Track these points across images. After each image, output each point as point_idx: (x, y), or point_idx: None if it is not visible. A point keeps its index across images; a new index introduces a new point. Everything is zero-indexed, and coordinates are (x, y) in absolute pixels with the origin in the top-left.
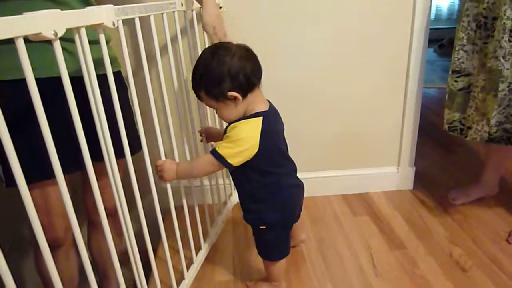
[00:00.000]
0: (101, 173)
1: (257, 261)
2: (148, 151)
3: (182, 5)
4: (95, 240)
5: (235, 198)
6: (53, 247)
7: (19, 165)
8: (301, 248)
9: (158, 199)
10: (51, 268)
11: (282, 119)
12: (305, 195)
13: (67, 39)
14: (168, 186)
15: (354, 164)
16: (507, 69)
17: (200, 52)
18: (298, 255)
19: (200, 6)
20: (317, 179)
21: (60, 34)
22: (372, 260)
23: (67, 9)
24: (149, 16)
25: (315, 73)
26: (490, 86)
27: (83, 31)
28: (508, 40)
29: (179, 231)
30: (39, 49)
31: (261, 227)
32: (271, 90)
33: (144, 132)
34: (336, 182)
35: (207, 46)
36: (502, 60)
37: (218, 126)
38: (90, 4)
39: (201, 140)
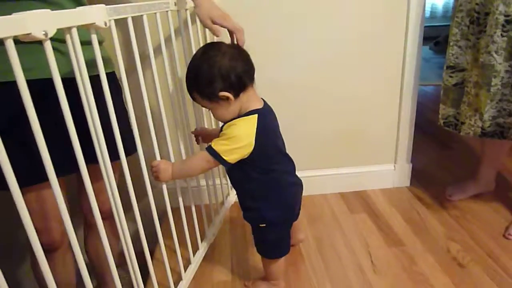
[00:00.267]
0: (97, 175)
1: (256, 260)
2: (143, 152)
3: (175, 4)
4: (92, 242)
5: (232, 198)
6: (50, 251)
7: (11, 168)
8: (299, 247)
9: (155, 200)
10: (46, 272)
11: (278, 118)
12: (303, 193)
13: (59, 40)
14: (164, 186)
15: (351, 162)
16: (500, 63)
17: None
18: (296, 254)
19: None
20: (314, 177)
21: (50, 35)
22: (370, 257)
23: (58, 9)
24: (142, 15)
25: (310, 72)
26: (483, 81)
27: (74, 31)
28: (501, 35)
29: (176, 232)
30: (32, 50)
31: (261, 225)
32: (267, 89)
33: (139, 133)
34: (333, 180)
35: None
36: (494, 55)
37: (214, 126)
38: (82, 4)
39: (197, 142)
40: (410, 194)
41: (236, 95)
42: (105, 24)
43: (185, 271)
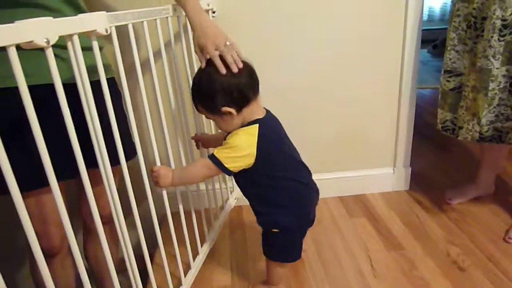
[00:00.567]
0: (97, 180)
1: (255, 264)
2: (143, 157)
3: (175, 10)
4: (91, 248)
5: (232, 202)
6: (49, 256)
7: (12, 173)
8: None
9: (154, 205)
10: (46, 277)
11: (278, 117)
12: None
13: (60, 46)
14: (164, 191)
15: (350, 166)
16: (497, 68)
17: (194, 59)
18: None
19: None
20: None
21: (52, 42)
22: (370, 261)
23: (59, 17)
24: (142, 22)
25: (308, 76)
26: (481, 86)
27: (75, 38)
28: (498, 39)
29: (176, 236)
30: (33, 56)
31: (273, 230)
32: (267, 92)
33: (139, 138)
34: (332, 184)
35: None
36: (492, 59)
37: (213, 132)
38: (82, 11)
39: (197, 147)
40: (410, 198)
41: (239, 110)
42: (106, 31)
43: (185, 276)
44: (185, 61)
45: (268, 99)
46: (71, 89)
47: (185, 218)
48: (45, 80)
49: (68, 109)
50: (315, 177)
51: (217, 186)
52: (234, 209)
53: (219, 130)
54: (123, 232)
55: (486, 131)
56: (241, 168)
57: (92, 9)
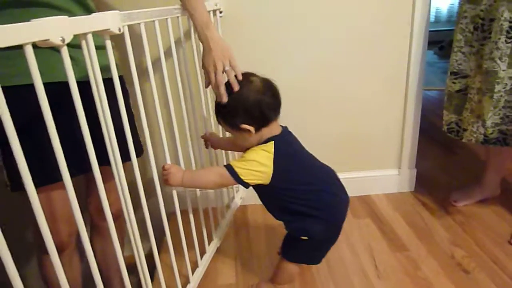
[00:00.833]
0: (105, 177)
1: (260, 263)
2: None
3: (183, 9)
4: (98, 244)
5: (238, 201)
6: (57, 252)
7: (27, 169)
8: None
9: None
10: (60, 273)
11: (285, 122)
12: None
13: (70, 45)
14: (174, 190)
15: (355, 167)
16: (503, 70)
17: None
18: None
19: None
20: None
21: (67, 40)
22: (374, 262)
23: (70, 16)
24: (153, 21)
25: (315, 76)
26: (486, 88)
27: (90, 37)
28: (505, 41)
29: (184, 235)
30: (42, 54)
31: (302, 238)
32: None
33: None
34: None
35: None
36: (498, 61)
37: (221, 134)
38: (91, 11)
39: (206, 146)
40: (414, 199)
41: (258, 129)
42: (119, 30)
43: (192, 274)
44: (195, 61)
45: None
46: (80, 87)
47: (193, 216)
48: (54, 78)
49: (81, 107)
50: None
51: None
52: (239, 209)
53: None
54: (133, 229)
55: (491, 134)
56: (257, 183)
57: (98, 10)
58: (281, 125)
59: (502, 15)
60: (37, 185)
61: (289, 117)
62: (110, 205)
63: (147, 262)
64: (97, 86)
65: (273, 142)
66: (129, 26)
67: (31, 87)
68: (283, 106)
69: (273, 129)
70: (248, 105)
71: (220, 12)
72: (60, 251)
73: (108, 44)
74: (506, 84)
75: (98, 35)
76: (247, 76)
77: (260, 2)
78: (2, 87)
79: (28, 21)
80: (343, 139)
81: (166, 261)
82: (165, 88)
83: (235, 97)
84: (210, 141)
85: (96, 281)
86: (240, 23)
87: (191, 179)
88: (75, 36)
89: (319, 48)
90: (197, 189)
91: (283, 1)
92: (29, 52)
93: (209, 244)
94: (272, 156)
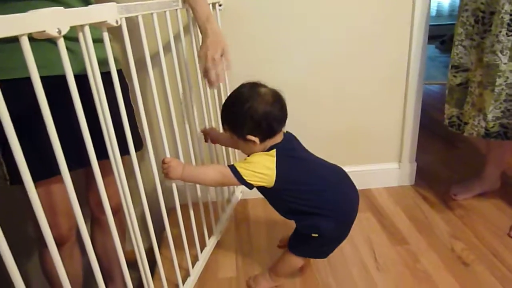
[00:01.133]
0: (104, 171)
1: (260, 257)
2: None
3: (184, 2)
4: (99, 239)
5: (238, 195)
6: (57, 245)
7: (25, 163)
8: None
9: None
10: (59, 266)
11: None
12: None
13: (68, 38)
14: (174, 184)
15: (355, 161)
16: (505, 63)
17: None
18: None
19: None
20: None
21: (64, 32)
22: (374, 255)
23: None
24: (151, 14)
25: (315, 71)
26: (487, 81)
27: (87, 29)
28: (506, 34)
29: (184, 228)
30: (41, 48)
31: (313, 235)
32: (272, 86)
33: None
34: None
35: None
36: (499, 55)
37: (221, 129)
38: (89, 4)
39: (205, 140)
40: (415, 193)
41: (263, 140)
42: (116, 22)
43: (193, 267)
44: (195, 54)
45: None
46: (79, 81)
47: (193, 210)
48: (51, 71)
49: (79, 100)
50: None
51: None
52: (240, 203)
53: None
54: (132, 222)
55: (492, 127)
56: (261, 185)
57: (96, 3)
58: (284, 132)
59: (503, 7)
60: (35, 179)
61: (290, 112)
62: (109, 199)
63: (148, 256)
64: (94, 79)
65: (275, 150)
66: (128, 19)
67: (30, 80)
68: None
69: (276, 139)
70: (257, 118)
71: (220, 5)
72: (60, 244)
73: (105, 36)
74: (507, 77)
75: (97, 28)
76: (256, 86)
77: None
78: (1, 80)
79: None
80: (343, 133)
81: (167, 255)
82: (164, 82)
83: (245, 108)
84: (209, 136)
85: (96, 275)
86: (240, 17)
87: (192, 174)
88: (73, 28)
89: (319, 43)
90: (197, 184)
91: None
92: (25, 43)
93: (209, 238)
94: (274, 159)
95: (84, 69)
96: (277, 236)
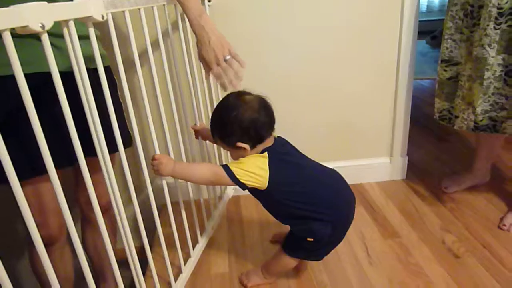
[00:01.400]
0: (94, 168)
1: (253, 254)
2: (142, 147)
3: None
4: (90, 237)
5: (230, 192)
6: (47, 245)
7: (10, 161)
8: None
9: (154, 195)
10: (46, 266)
11: (276, 112)
12: None
13: (55, 34)
14: (164, 181)
15: (347, 156)
16: (493, 57)
17: (192, 47)
18: None
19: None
20: None
21: (47, 27)
22: (366, 249)
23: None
24: (139, 9)
25: (306, 67)
26: (476, 75)
27: (71, 25)
28: (494, 27)
29: (176, 226)
30: (28, 44)
31: (308, 239)
32: (263, 82)
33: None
34: None
35: None
36: (487, 48)
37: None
38: None
39: (196, 137)
40: (406, 187)
41: (253, 147)
42: (102, 17)
43: (185, 264)
44: (183, 50)
45: (264, 88)
46: (66, 77)
47: (185, 208)
48: (40, 68)
49: (65, 97)
50: None
51: None
52: (232, 200)
53: None
54: (122, 220)
55: (481, 120)
56: (254, 185)
57: None
58: (274, 136)
59: (491, 1)
60: (23, 177)
61: (281, 107)
62: (99, 197)
63: (141, 254)
64: (80, 75)
65: (266, 153)
66: (116, 14)
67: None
68: (275, 96)
69: (267, 143)
70: (244, 125)
71: (209, 0)
72: (50, 244)
73: (91, 32)
74: (495, 70)
75: (84, 24)
76: (242, 95)
77: None
78: None
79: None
80: (335, 128)
81: (159, 253)
82: (153, 78)
83: (232, 118)
84: (199, 133)
85: (86, 275)
86: (229, 11)
87: (183, 171)
88: (59, 24)
89: (310, 39)
90: (188, 182)
91: None
92: (8, 39)
93: (201, 234)
94: (267, 160)
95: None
96: (270, 232)
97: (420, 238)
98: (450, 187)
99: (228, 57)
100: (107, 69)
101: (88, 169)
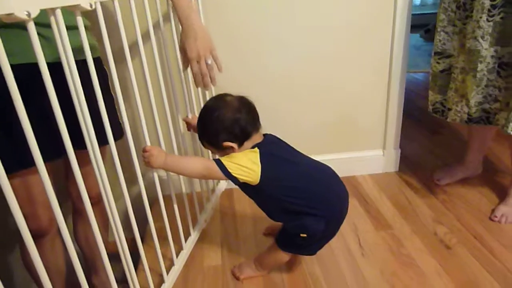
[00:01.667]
0: (83, 161)
1: (246, 247)
2: (133, 139)
3: None
4: (81, 229)
5: (222, 185)
6: (38, 237)
7: None
8: None
9: (146, 189)
10: (35, 258)
11: (265, 106)
12: None
13: (43, 24)
14: (155, 173)
15: (340, 148)
16: (486, 49)
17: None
18: None
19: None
20: None
21: (33, 15)
22: (358, 240)
23: None
24: None
25: (299, 62)
26: (469, 67)
27: (58, 13)
28: (487, 20)
29: (168, 219)
30: (15, 35)
31: (302, 235)
32: (258, 78)
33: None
34: None
35: None
36: (480, 40)
37: None
38: None
39: (188, 129)
40: (399, 179)
41: (241, 144)
42: (91, 6)
43: (177, 256)
44: (175, 41)
45: (257, 85)
46: (55, 68)
47: (177, 201)
48: (28, 59)
49: (53, 88)
50: None
51: None
52: (225, 194)
53: None
54: (112, 212)
55: (475, 112)
56: (246, 180)
57: None
58: (265, 134)
59: None
60: (11, 170)
61: (274, 101)
62: (89, 189)
63: (133, 247)
64: (68, 66)
65: (257, 148)
66: (106, 4)
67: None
68: (269, 91)
69: (255, 140)
70: (228, 124)
71: None
72: (41, 236)
73: (79, 21)
74: (488, 63)
75: (72, 13)
76: (222, 96)
77: None
78: None
79: None
80: (328, 121)
81: (151, 245)
82: (144, 70)
83: (215, 120)
84: (191, 125)
85: (76, 268)
86: (222, 6)
87: (175, 164)
88: (46, 13)
89: (303, 34)
90: (180, 175)
91: None
92: None
93: (193, 227)
94: (258, 155)
95: None
96: (263, 225)
97: (413, 229)
98: (443, 179)
99: (209, 62)
100: (98, 61)
101: (79, 161)
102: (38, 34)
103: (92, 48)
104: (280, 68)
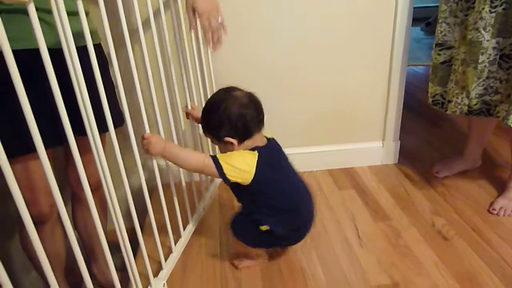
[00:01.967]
0: (84, 147)
1: None
2: (132, 127)
3: None
4: (80, 216)
5: None
6: (38, 223)
7: None
8: None
9: (145, 177)
10: (36, 244)
11: (264, 96)
12: None
13: (45, 10)
14: (154, 161)
15: (339, 139)
16: (487, 40)
17: (184, 27)
18: None
19: None
20: (302, 154)
21: None
22: (357, 231)
23: None
24: None
25: (299, 53)
26: (470, 58)
27: None
28: (489, 11)
29: (167, 207)
30: (19, 20)
31: (261, 227)
32: (255, 68)
33: (128, 107)
34: (321, 157)
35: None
36: (482, 32)
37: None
38: None
39: (187, 118)
40: (398, 171)
41: (241, 142)
42: None
43: (175, 244)
44: (175, 30)
45: (254, 75)
46: (57, 54)
47: (176, 189)
48: (30, 45)
49: (53, 73)
50: (304, 150)
51: None
52: (223, 185)
53: None
54: (112, 199)
55: (475, 104)
56: (237, 181)
57: None
58: (268, 137)
59: None
60: (12, 155)
61: (275, 91)
62: (89, 176)
63: (132, 235)
64: (69, 51)
65: (256, 151)
66: None
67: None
68: (270, 80)
69: (256, 141)
70: (233, 119)
71: None
72: (41, 222)
73: (80, 5)
74: (490, 54)
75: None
76: (230, 90)
77: None
78: None
79: None
80: (328, 112)
81: (150, 233)
82: (144, 57)
83: (221, 112)
84: (191, 115)
85: (76, 255)
86: None
87: (174, 154)
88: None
89: (303, 24)
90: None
91: None
92: None
93: (192, 215)
94: (256, 158)
95: None
96: None
97: (411, 221)
98: (442, 171)
99: (220, 20)
100: (99, 46)
101: (79, 148)
102: (40, 19)
103: (92, 34)
104: (278, 58)
